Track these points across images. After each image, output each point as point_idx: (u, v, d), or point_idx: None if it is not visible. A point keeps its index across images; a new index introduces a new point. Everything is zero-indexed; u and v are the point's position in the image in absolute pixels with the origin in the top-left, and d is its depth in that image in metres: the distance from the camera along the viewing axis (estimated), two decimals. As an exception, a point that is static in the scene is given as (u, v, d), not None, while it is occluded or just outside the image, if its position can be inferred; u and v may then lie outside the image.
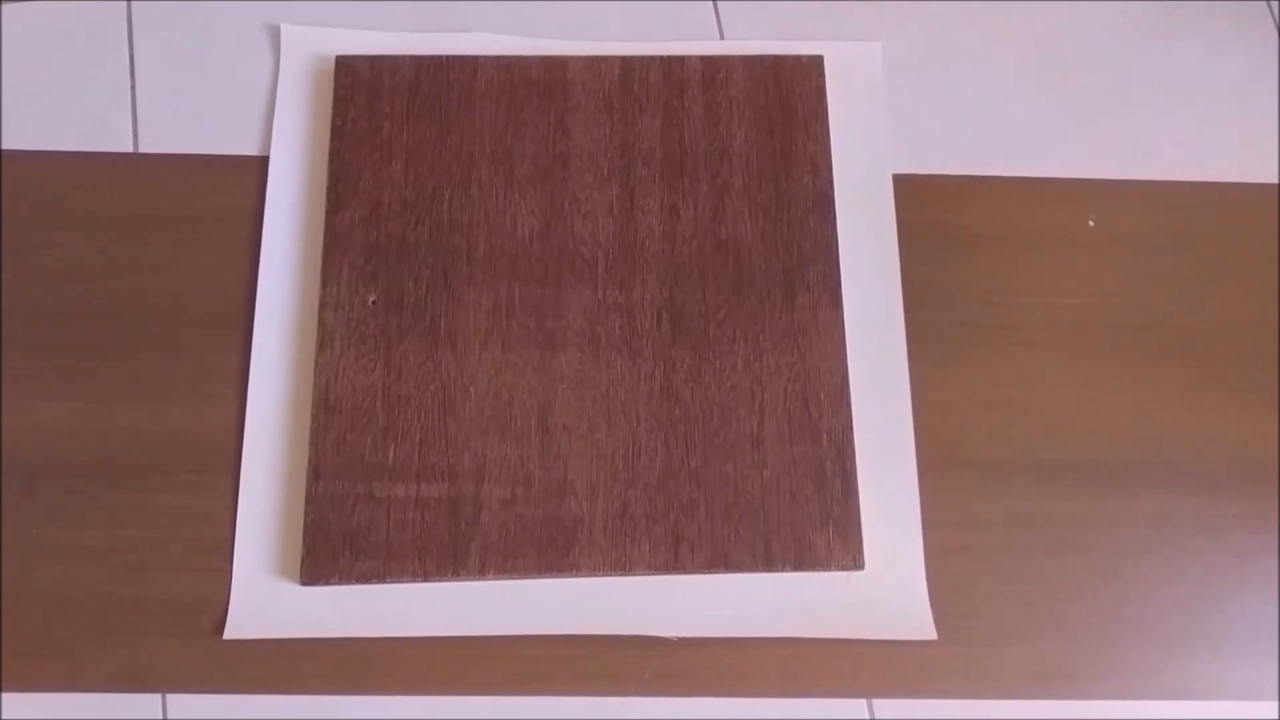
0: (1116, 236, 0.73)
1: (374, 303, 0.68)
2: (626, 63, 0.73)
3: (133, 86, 0.74)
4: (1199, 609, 0.65)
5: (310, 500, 0.64)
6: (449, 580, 0.63)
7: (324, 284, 0.68)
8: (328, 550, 0.63)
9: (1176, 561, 0.66)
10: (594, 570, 0.64)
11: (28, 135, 0.72)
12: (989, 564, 0.66)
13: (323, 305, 0.68)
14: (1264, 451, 0.69)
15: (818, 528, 0.65)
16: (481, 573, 0.63)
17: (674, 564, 0.64)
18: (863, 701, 0.63)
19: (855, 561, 0.64)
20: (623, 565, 0.64)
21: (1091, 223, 0.73)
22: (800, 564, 0.64)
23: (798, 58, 0.74)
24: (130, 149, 0.72)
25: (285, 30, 0.75)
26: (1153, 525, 0.67)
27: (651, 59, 0.74)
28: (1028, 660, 0.64)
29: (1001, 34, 0.78)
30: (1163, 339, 0.71)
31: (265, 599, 0.63)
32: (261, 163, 0.72)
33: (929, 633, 0.64)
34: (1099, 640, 0.65)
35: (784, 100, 0.73)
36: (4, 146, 0.71)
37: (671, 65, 0.74)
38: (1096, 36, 0.78)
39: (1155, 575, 0.66)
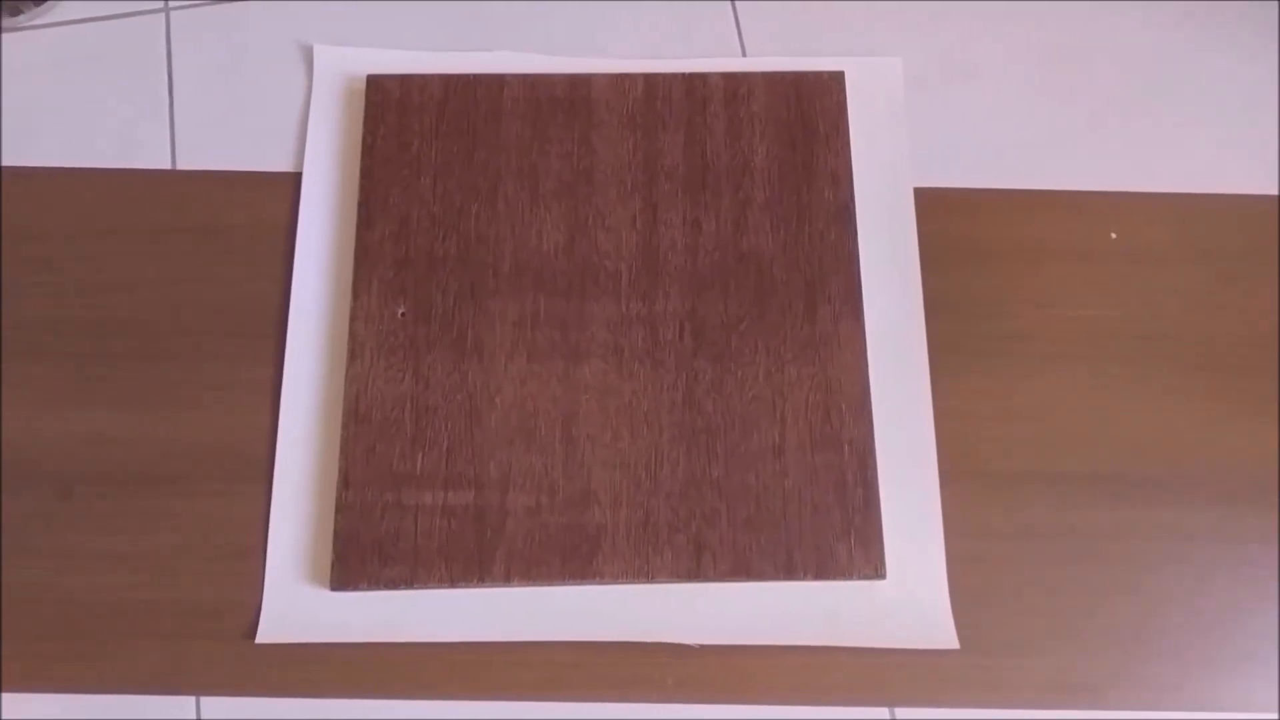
0: (1138, 249, 0.73)
1: (403, 315, 0.69)
2: (650, 80, 0.75)
3: (170, 104, 0.76)
4: (1220, 621, 0.65)
5: (340, 508, 0.65)
6: (475, 587, 0.64)
7: (355, 296, 0.69)
8: (357, 557, 0.64)
9: (1197, 573, 0.66)
10: (617, 578, 0.64)
11: (68, 151, 0.74)
12: (1010, 574, 0.66)
13: (353, 317, 0.69)
14: (1278, 463, 0.69)
15: (839, 537, 0.65)
16: (506, 580, 0.64)
17: (696, 572, 0.64)
18: (885, 710, 0.64)
19: (877, 571, 0.65)
20: (645, 573, 0.64)
21: (1114, 235, 0.73)
22: (822, 573, 0.65)
23: (819, 73, 0.75)
24: (168, 165, 0.74)
25: (318, 50, 0.77)
26: (1173, 537, 0.67)
27: (674, 76, 0.75)
28: (1050, 671, 0.64)
29: (1021, 47, 0.79)
30: (1184, 351, 0.71)
31: (296, 604, 0.64)
32: (295, 179, 0.73)
33: (951, 642, 0.64)
34: (1120, 651, 0.65)
35: (805, 115, 0.74)
36: (45, 162, 0.74)
37: (694, 82, 0.75)
38: (1117, 49, 0.79)
39: (1176, 587, 0.66)
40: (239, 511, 0.66)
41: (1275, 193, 0.75)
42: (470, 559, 0.64)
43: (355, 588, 0.64)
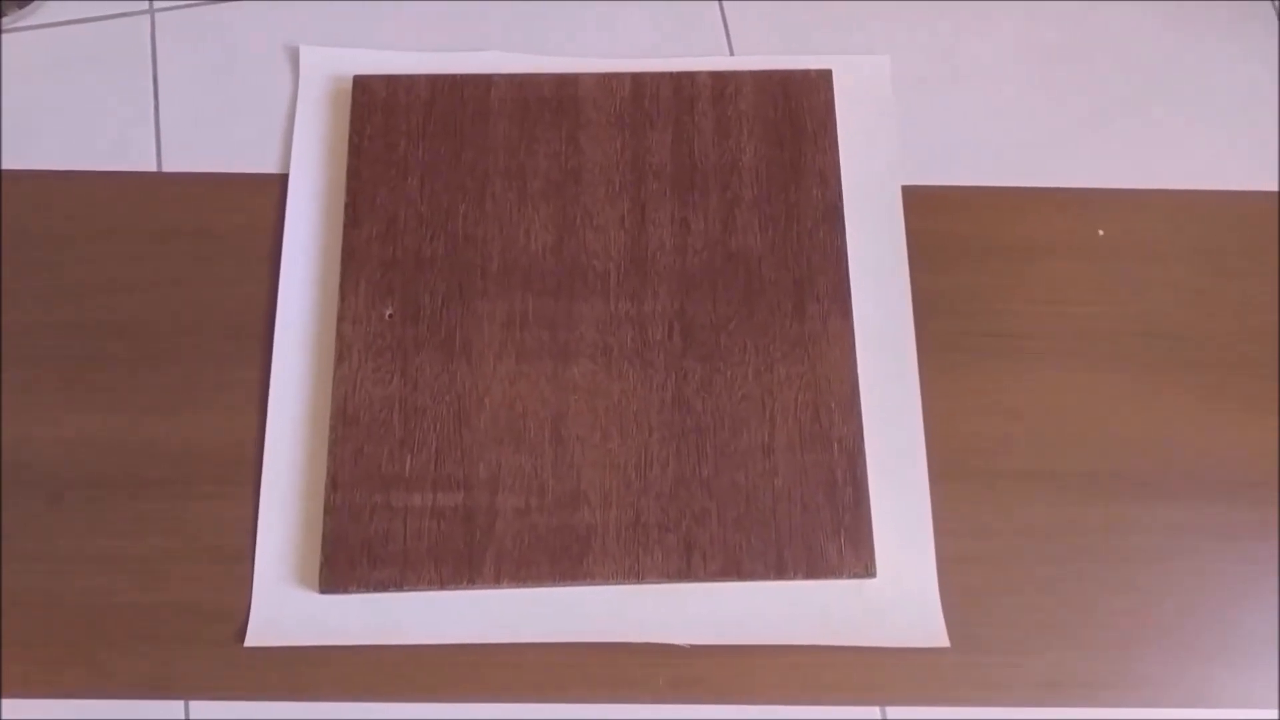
0: (1126, 246, 0.73)
1: (391, 316, 0.69)
2: (637, 79, 0.75)
3: (156, 107, 0.76)
4: (1212, 617, 0.65)
5: (329, 510, 0.65)
6: (464, 588, 0.64)
7: (342, 298, 0.69)
8: (346, 559, 0.64)
9: (1189, 570, 0.66)
10: (607, 578, 0.64)
11: (54, 155, 0.74)
12: (1001, 572, 0.66)
13: (341, 318, 0.69)
14: (1275, 459, 0.68)
15: (829, 536, 0.65)
16: (496, 581, 0.64)
17: (686, 572, 0.64)
18: (876, 709, 0.64)
19: (867, 569, 0.65)
20: (635, 573, 0.64)
21: (1101, 232, 0.73)
22: (812, 572, 0.64)
23: (806, 72, 0.75)
24: (154, 168, 0.74)
25: (304, 51, 0.77)
26: (1165, 534, 0.67)
27: (662, 75, 0.75)
28: (1041, 668, 0.64)
29: (1009, 45, 0.79)
30: (1174, 348, 0.71)
31: (285, 607, 0.64)
32: (281, 180, 0.73)
33: (942, 640, 0.64)
34: (1112, 648, 0.65)
35: (793, 114, 0.74)
36: (31, 166, 0.73)
37: (681, 81, 0.75)
38: (1104, 46, 0.79)
39: (1168, 584, 0.66)
40: (228, 514, 0.66)
41: (1274, 189, 0.75)
42: (460, 560, 0.64)
43: (344, 590, 0.64)
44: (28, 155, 0.74)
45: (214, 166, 0.74)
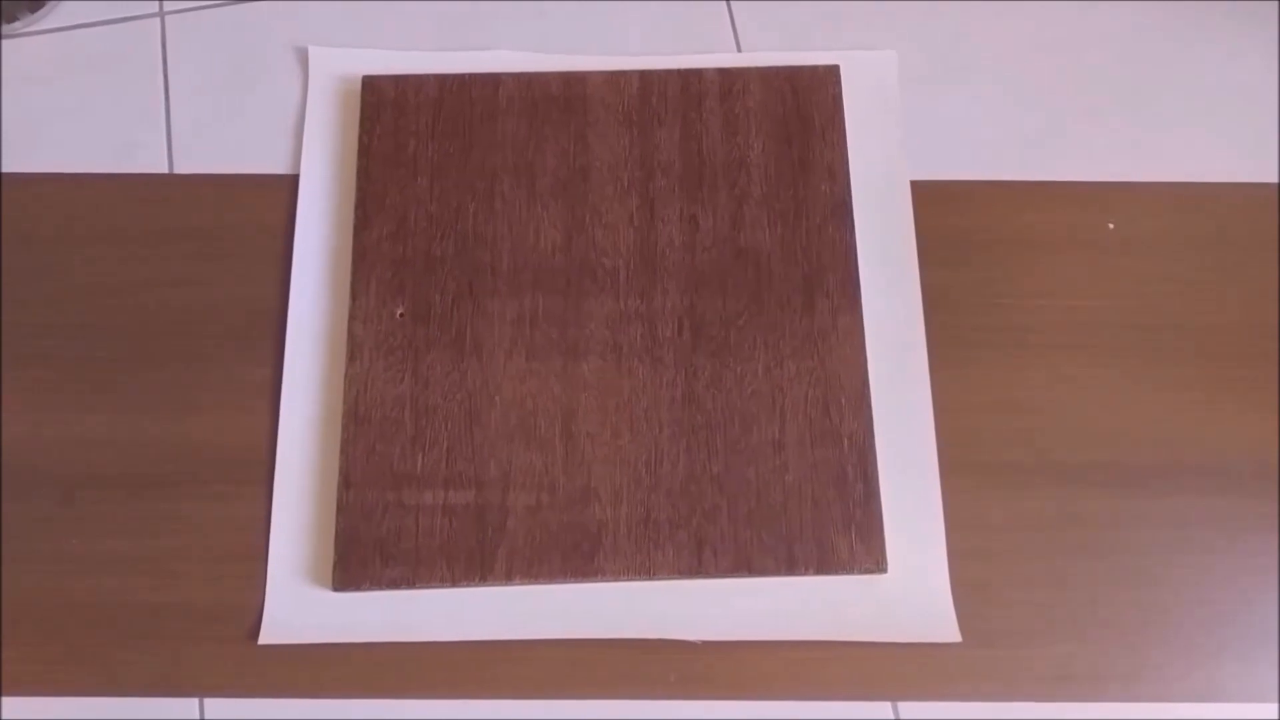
0: (1136, 238, 0.73)
1: (401, 315, 0.69)
2: (645, 76, 0.75)
3: (167, 109, 0.76)
4: (1222, 610, 0.65)
5: (341, 508, 0.65)
6: (476, 586, 0.64)
7: (353, 297, 0.70)
8: (358, 557, 0.64)
9: (1199, 563, 0.66)
10: (618, 575, 0.64)
11: (66, 158, 0.74)
12: (1011, 567, 0.66)
13: (352, 318, 0.69)
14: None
15: (840, 531, 0.65)
16: (508, 578, 0.64)
17: (697, 568, 0.64)
18: (888, 704, 0.64)
19: (878, 564, 0.65)
20: (646, 570, 0.64)
21: (1111, 225, 0.73)
22: (823, 568, 0.65)
23: (814, 68, 0.75)
24: (165, 169, 0.74)
25: (313, 52, 0.77)
26: (1175, 527, 0.67)
27: (669, 72, 0.75)
28: (1052, 662, 0.64)
29: (1016, 39, 0.79)
30: (1183, 340, 0.71)
31: (298, 605, 0.64)
32: (291, 181, 0.74)
33: (953, 635, 0.64)
34: (1123, 642, 0.65)
35: (801, 110, 0.74)
36: (44, 168, 0.74)
37: (689, 78, 0.75)
38: (1112, 40, 0.79)
39: (1178, 577, 0.66)
40: (240, 513, 0.66)
41: (1274, 180, 0.75)
42: (472, 558, 0.64)
43: (357, 588, 0.64)
44: (40, 159, 0.74)
45: (225, 168, 0.74)
